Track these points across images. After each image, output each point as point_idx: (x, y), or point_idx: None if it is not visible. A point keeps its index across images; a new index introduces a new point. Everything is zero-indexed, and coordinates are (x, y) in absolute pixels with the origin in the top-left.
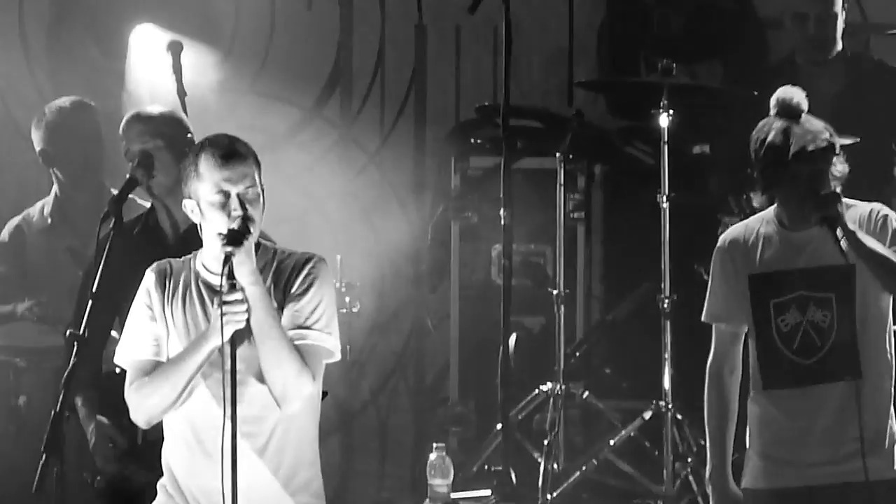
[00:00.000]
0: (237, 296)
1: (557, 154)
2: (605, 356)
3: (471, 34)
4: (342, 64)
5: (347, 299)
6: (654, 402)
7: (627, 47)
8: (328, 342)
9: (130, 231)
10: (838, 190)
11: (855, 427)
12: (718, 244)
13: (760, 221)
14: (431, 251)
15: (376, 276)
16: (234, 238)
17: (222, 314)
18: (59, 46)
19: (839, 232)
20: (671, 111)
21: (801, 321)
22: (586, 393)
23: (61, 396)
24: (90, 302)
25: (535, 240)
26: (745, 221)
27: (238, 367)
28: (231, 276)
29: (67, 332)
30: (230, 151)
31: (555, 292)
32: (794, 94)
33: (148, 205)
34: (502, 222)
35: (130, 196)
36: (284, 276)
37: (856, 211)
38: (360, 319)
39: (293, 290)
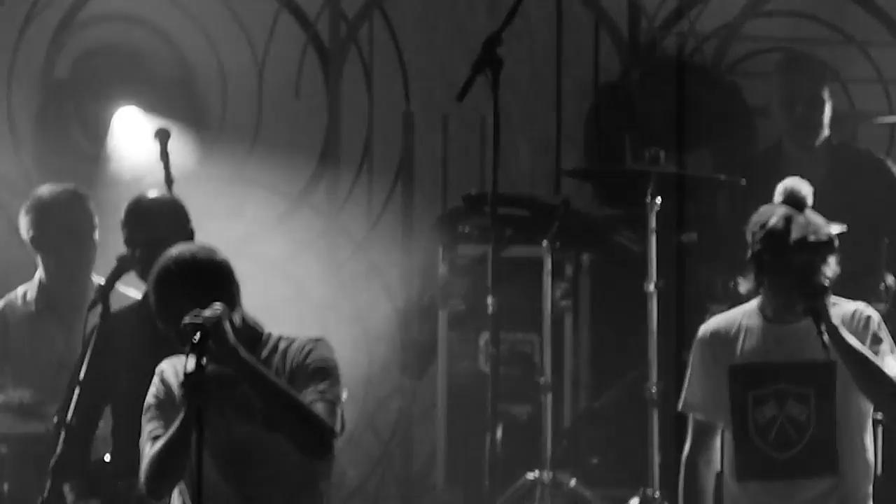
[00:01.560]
0: (195, 372)
1: (545, 242)
2: (592, 444)
3: (458, 122)
4: (330, 151)
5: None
6: (642, 489)
7: (614, 136)
8: (338, 396)
9: (123, 320)
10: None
11: None
12: (699, 334)
13: (743, 314)
14: (418, 339)
15: (363, 363)
16: (186, 333)
17: (186, 391)
18: (46, 132)
19: (823, 326)
20: (658, 199)
21: (778, 415)
22: (573, 481)
23: (49, 483)
24: (77, 390)
25: (523, 328)
26: (727, 313)
27: (242, 431)
28: (198, 367)
29: (55, 420)
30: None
31: (542, 380)
32: (802, 186)
33: (132, 295)
34: (490, 310)
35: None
36: (291, 355)
37: (839, 309)
38: (347, 407)
39: (303, 365)
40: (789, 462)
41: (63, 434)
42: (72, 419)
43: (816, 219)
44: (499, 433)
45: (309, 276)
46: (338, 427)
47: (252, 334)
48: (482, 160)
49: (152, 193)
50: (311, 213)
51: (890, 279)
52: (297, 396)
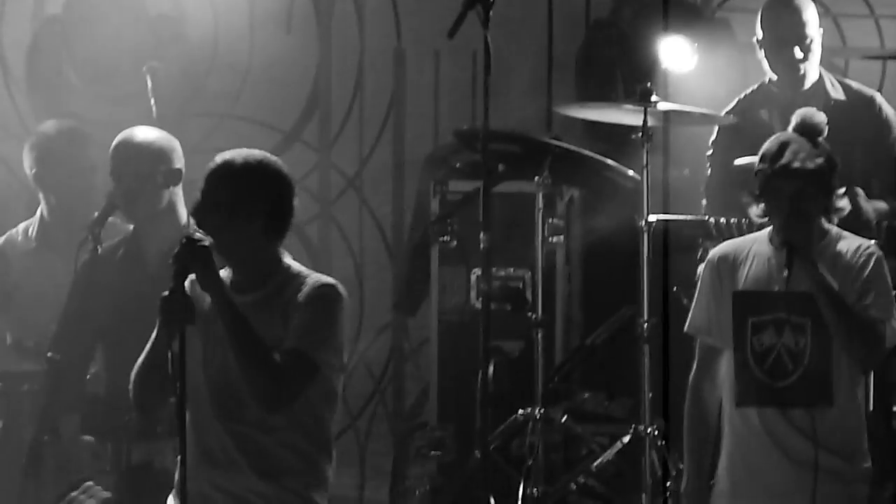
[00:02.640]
0: (174, 298)
1: (536, 178)
2: (584, 380)
3: (450, 58)
4: (321, 87)
5: None
6: (633, 426)
7: (606, 72)
8: (316, 354)
9: (112, 256)
10: (831, 223)
11: (825, 455)
12: (708, 258)
13: (754, 240)
14: (410, 275)
15: (355, 300)
16: (182, 253)
17: (162, 313)
18: (38, 69)
19: (791, 258)
20: (650, 135)
21: (776, 343)
22: (565, 417)
23: (42, 419)
24: (58, 324)
25: (515, 264)
26: (739, 238)
27: (230, 375)
28: (178, 289)
29: (50, 355)
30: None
31: (533, 316)
32: (815, 115)
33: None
34: (481, 246)
35: (112, 219)
36: (295, 296)
37: (846, 243)
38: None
39: (301, 307)
40: (784, 390)
41: (55, 370)
42: (63, 355)
43: (816, 148)
44: (490, 369)
45: (300, 212)
46: (294, 387)
47: (273, 259)
48: (473, 96)
49: (139, 131)
50: (303, 149)
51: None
52: (261, 344)
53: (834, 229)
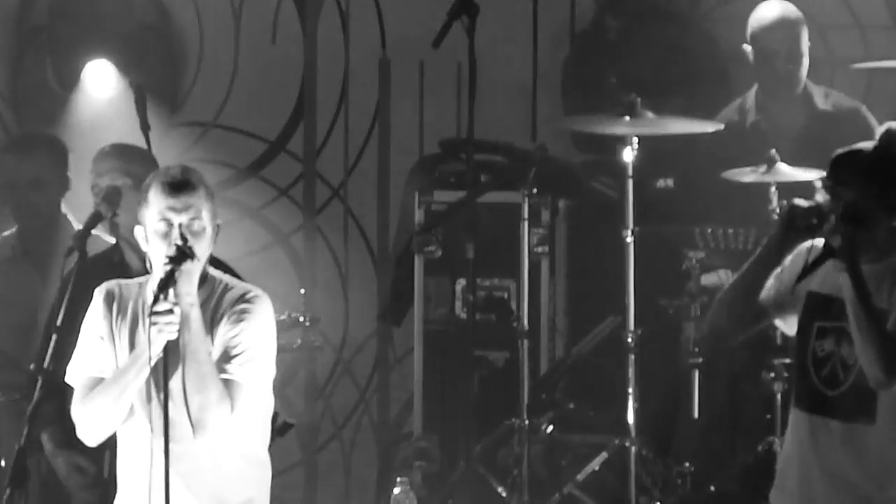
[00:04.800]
0: (166, 306)
1: (521, 188)
2: (569, 391)
3: (434, 69)
4: (306, 97)
5: (311, 334)
6: (619, 437)
7: (592, 82)
8: (247, 378)
9: (96, 267)
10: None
11: (859, 473)
12: (803, 245)
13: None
14: (395, 285)
15: (340, 310)
16: (178, 254)
17: (151, 323)
18: (22, 78)
19: (821, 260)
20: (635, 145)
21: (835, 352)
22: (551, 427)
23: (26, 431)
24: (54, 336)
25: (500, 274)
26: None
27: (173, 402)
28: (165, 288)
29: (32, 367)
30: (178, 182)
31: (519, 327)
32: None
33: (112, 241)
34: (466, 256)
35: (95, 233)
36: (222, 307)
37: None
38: (324, 354)
39: (224, 322)
40: (832, 401)
41: (40, 381)
42: (48, 366)
43: (879, 157)
44: (475, 380)
45: (285, 222)
46: (227, 409)
47: (202, 272)
48: (458, 106)
49: (119, 143)
50: (288, 159)
51: None
52: (208, 371)
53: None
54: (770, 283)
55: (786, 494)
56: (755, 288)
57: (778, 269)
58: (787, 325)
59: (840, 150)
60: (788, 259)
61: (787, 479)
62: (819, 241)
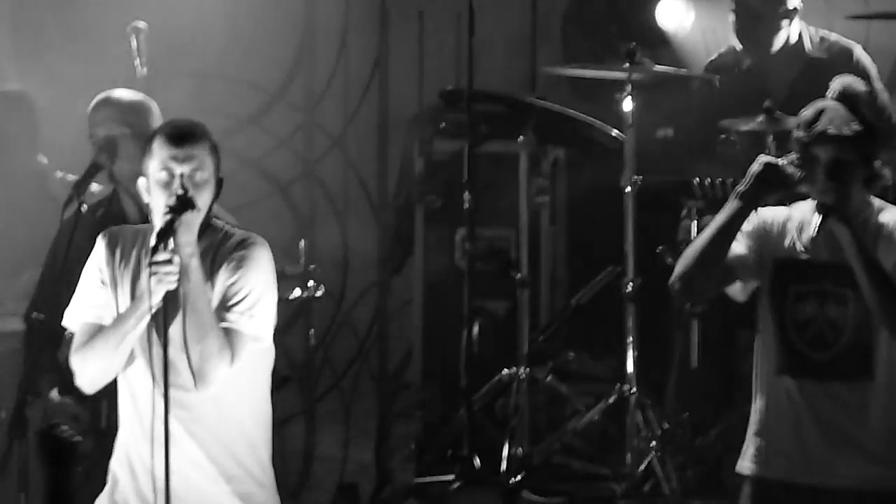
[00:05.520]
0: (165, 255)
1: (521, 138)
2: (568, 340)
3: (434, 19)
4: (306, 47)
5: (311, 283)
6: (618, 385)
7: (591, 31)
8: (248, 326)
9: (93, 215)
10: (872, 193)
11: (865, 432)
12: (754, 215)
13: (800, 209)
14: (395, 235)
15: (339, 260)
16: (178, 204)
17: (151, 273)
18: (23, 31)
19: (820, 224)
20: (635, 95)
21: (818, 314)
22: (550, 377)
23: (23, 379)
24: (55, 285)
25: (499, 224)
26: (785, 207)
27: (172, 350)
28: (165, 237)
29: (33, 315)
30: (182, 133)
31: (518, 276)
32: (855, 83)
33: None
34: (466, 206)
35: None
36: (221, 255)
37: (889, 214)
38: (323, 304)
39: (223, 269)
40: (826, 363)
41: (40, 330)
42: (48, 315)
43: (848, 114)
44: (475, 329)
45: (285, 171)
46: (228, 358)
47: (205, 221)
48: (458, 57)
49: (117, 91)
50: (288, 109)
51: None
52: (208, 320)
53: (876, 201)
54: (738, 246)
55: (779, 463)
56: (727, 241)
57: (746, 239)
58: (743, 291)
59: (817, 106)
60: (750, 225)
61: (777, 448)
62: (774, 209)
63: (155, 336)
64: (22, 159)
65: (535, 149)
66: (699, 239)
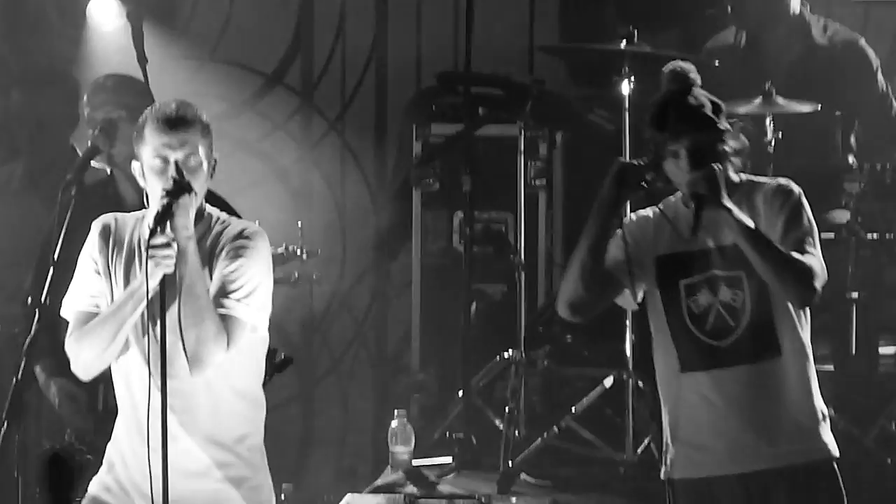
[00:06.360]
0: (163, 239)
1: (518, 121)
2: (566, 324)
3: (431, 2)
4: (303, 31)
5: (309, 267)
6: (616, 370)
7: (589, 14)
8: (245, 313)
9: (91, 198)
10: (732, 167)
11: (781, 408)
12: (625, 221)
13: (666, 206)
14: (393, 219)
15: (337, 243)
16: (175, 188)
17: (148, 256)
18: (20, 12)
19: (700, 211)
20: (632, 78)
21: (713, 302)
22: (547, 360)
23: (23, 364)
24: (51, 269)
25: (497, 207)
26: (650, 208)
27: (168, 338)
28: (162, 221)
29: (29, 300)
30: (174, 118)
31: (516, 259)
32: (683, 67)
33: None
34: (464, 189)
35: (93, 165)
36: (219, 243)
37: (761, 188)
38: (321, 287)
39: (222, 257)
40: (729, 349)
41: (37, 314)
42: (46, 298)
43: (697, 100)
44: (473, 312)
45: (282, 155)
46: (224, 344)
47: (199, 207)
48: (455, 40)
49: (114, 74)
50: (285, 93)
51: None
52: (204, 305)
53: (745, 178)
54: (616, 252)
55: (704, 461)
56: (601, 248)
57: (617, 242)
58: (629, 299)
59: (657, 102)
60: (622, 231)
61: (698, 448)
62: (642, 211)
63: (150, 324)
64: (60, 137)
65: (532, 132)
66: (573, 258)
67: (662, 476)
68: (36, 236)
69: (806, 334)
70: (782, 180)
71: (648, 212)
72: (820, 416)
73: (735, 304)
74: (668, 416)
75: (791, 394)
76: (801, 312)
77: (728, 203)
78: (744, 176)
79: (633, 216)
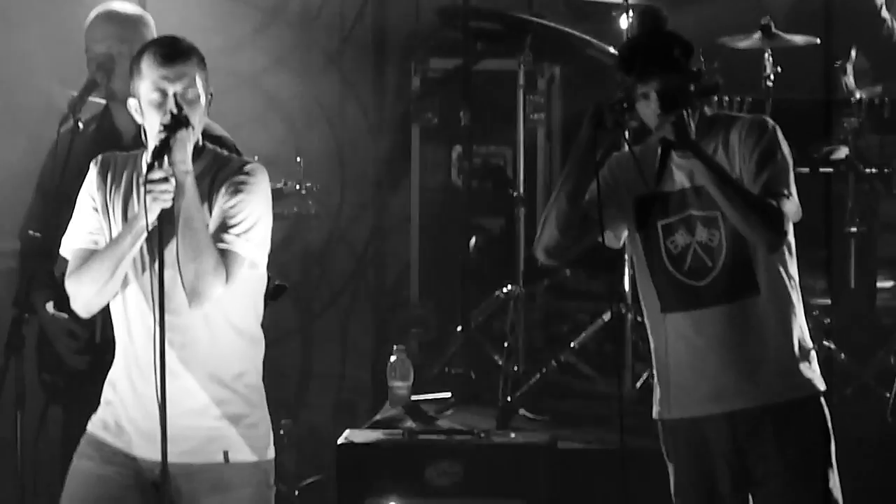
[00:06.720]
0: (161, 174)
1: (517, 56)
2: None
3: None
4: None
5: (308, 202)
6: (615, 303)
7: None
8: (244, 248)
9: (86, 131)
10: (707, 106)
11: (761, 346)
12: (608, 162)
13: (642, 146)
14: (391, 153)
15: (336, 178)
16: (173, 122)
17: (146, 191)
18: None
19: (667, 154)
20: (631, 12)
21: (691, 242)
22: (546, 295)
23: (22, 297)
24: (52, 203)
25: (495, 141)
26: (635, 147)
27: (166, 273)
28: (160, 156)
29: (28, 233)
30: (171, 51)
31: (515, 194)
32: (653, 9)
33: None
34: (462, 124)
35: (91, 99)
36: (219, 180)
37: (738, 124)
38: (320, 222)
39: (221, 193)
40: (708, 289)
41: (34, 247)
42: (40, 232)
43: (660, 43)
44: (472, 247)
45: (282, 89)
46: (223, 278)
47: (196, 142)
48: None
49: (114, 5)
50: (284, 27)
51: (860, 94)
52: (203, 238)
53: (722, 116)
54: (593, 195)
55: (688, 401)
56: (579, 192)
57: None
58: (615, 238)
59: (628, 44)
60: (602, 172)
61: (681, 387)
62: (621, 152)
63: (149, 259)
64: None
65: (531, 66)
66: (552, 199)
67: (653, 415)
68: (24, 171)
69: (791, 270)
70: (758, 116)
71: (628, 153)
72: (802, 352)
73: (712, 244)
74: (653, 355)
75: (771, 331)
76: (785, 248)
77: (695, 146)
78: (721, 114)
79: (614, 157)
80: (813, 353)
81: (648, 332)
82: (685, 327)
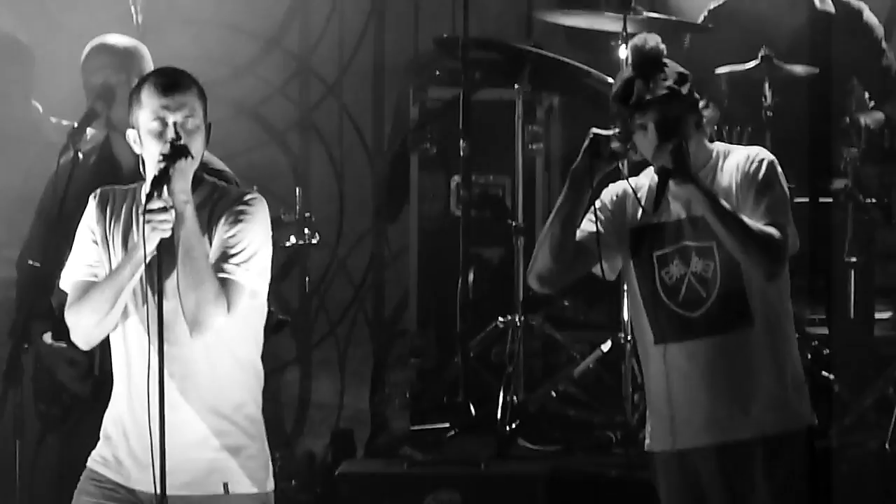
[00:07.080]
0: (160, 203)
1: (516, 85)
2: (563, 287)
3: None
4: None
5: (306, 231)
6: (614, 333)
7: None
8: (245, 278)
9: (86, 161)
10: (705, 136)
11: (753, 378)
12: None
13: (642, 176)
14: (390, 183)
15: (335, 207)
16: (173, 151)
17: (145, 221)
18: None
19: (665, 187)
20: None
21: (685, 273)
22: (545, 325)
23: (19, 327)
24: (52, 234)
25: (494, 171)
26: (622, 181)
27: (166, 304)
28: (159, 186)
29: (29, 262)
30: (171, 81)
31: (514, 223)
32: (648, 39)
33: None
34: (461, 153)
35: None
36: (218, 210)
37: (735, 156)
38: (319, 251)
39: (221, 223)
40: (701, 320)
41: (33, 277)
42: (39, 262)
43: (657, 73)
44: (470, 277)
45: (281, 119)
46: (224, 308)
47: (196, 172)
48: (453, 3)
49: (111, 37)
50: (283, 56)
51: (863, 120)
52: (203, 268)
53: (720, 146)
54: (590, 225)
55: (682, 433)
56: (573, 220)
57: (591, 215)
58: (610, 270)
59: (622, 76)
60: (598, 203)
61: (675, 420)
62: (617, 183)
63: (149, 291)
64: (15, 105)
65: (529, 96)
66: (546, 227)
67: (646, 448)
68: (6, 195)
69: (785, 301)
70: (755, 148)
71: (624, 184)
72: (795, 384)
73: (707, 275)
74: (647, 387)
75: (764, 363)
76: (780, 279)
77: (694, 176)
78: (719, 144)
79: (612, 187)
80: (805, 386)
81: (641, 362)
82: (678, 358)
